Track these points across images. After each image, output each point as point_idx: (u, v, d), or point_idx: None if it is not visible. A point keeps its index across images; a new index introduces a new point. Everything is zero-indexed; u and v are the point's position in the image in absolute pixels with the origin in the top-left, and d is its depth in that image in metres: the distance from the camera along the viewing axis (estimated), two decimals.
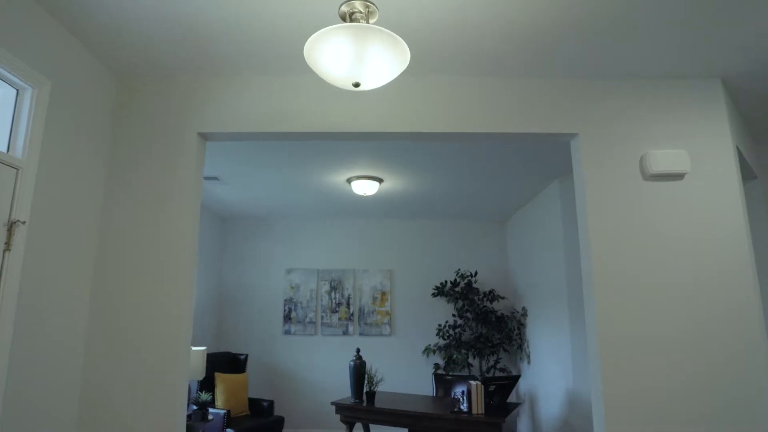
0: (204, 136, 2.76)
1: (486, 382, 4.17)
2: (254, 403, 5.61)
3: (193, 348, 4.74)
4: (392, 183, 4.94)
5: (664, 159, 2.53)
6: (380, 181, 4.78)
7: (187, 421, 4.62)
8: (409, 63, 2.60)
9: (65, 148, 2.30)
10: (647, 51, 2.47)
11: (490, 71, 2.67)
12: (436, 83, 2.70)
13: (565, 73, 2.69)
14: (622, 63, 2.58)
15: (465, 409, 4.12)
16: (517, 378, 4.30)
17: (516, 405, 4.41)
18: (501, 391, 4.29)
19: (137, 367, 2.41)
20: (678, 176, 2.57)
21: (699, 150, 2.62)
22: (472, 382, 4.15)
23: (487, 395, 4.20)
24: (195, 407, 4.77)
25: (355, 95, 2.69)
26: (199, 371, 4.68)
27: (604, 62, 2.57)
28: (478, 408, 4.07)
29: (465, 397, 4.17)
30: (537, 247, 5.34)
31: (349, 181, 4.79)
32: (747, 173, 3.41)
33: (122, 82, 2.74)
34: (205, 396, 4.72)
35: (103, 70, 2.62)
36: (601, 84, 2.72)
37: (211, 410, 5.01)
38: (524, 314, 5.77)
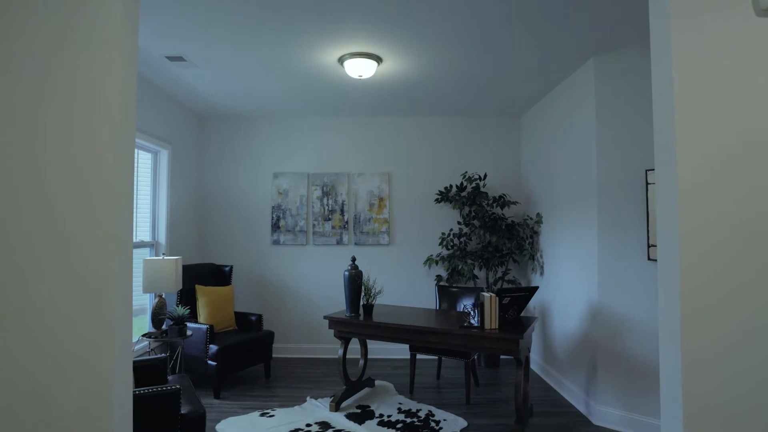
0: None
1: (500, 293, 3.64)
2: (241, 317, 5.14)
3: (167, 257, 4.15)
4: (392, 64, 4.11)
5: None
6: (379, 60, 3.96)
7: (164, 336, 4.13)
8: None
9: None
10: None
11: None
12: None
13: None
14: None
15: (476, 324, 3.62)
16: (534, 289, 3.77)
17: (533, 319, 3.91)
18: (515, 304, 3.77)
19: (57, 252, 1.77)
20: None
21: None
22: (485, 294, 3.61)
23: (501, 308, 3.68)
24: (170, 322, 4.27)
25: None
26: (172, 283, 4.12)
27: None
28: (492, 323, 3.56)
29: (477, 311, 3.65)
30: (560, 143, 4.63)
31: (341, 60, 3.97)
32: None
33: None
34: (181, 310, 4.20)
35: None
36: None
37: (191, 325, 4.52)
38: (538, 221, 5.18)
